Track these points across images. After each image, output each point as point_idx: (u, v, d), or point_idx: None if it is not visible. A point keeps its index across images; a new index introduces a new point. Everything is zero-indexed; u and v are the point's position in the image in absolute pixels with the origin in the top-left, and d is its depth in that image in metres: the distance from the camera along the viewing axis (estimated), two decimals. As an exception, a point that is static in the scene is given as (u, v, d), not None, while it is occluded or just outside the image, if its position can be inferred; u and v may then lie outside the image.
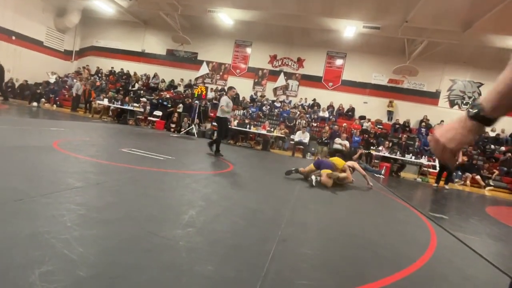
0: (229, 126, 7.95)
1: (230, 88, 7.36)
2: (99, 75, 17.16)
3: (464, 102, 14.49)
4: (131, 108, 11.66)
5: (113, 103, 11.92)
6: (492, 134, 13.55)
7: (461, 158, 11.12)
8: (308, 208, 3.38)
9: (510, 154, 11.99)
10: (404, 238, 2.89)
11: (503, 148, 12.72)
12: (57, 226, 1.75)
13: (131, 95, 14.75)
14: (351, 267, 1.98)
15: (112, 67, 17.43)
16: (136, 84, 16.35)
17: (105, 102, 11.97)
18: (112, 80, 16.78)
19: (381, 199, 4.91)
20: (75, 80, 14.29)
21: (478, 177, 10.83)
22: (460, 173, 10.97)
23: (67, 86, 15.58)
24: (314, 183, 4.74)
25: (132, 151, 5.08)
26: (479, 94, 14.31)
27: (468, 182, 10.81)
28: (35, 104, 12.36)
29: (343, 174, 5.13)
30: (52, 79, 15.48)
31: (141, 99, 13.42)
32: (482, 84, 14.24)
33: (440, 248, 2.64)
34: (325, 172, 4.97)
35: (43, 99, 12.83)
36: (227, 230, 2.19)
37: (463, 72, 14.31)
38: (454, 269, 2.23)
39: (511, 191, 10.70)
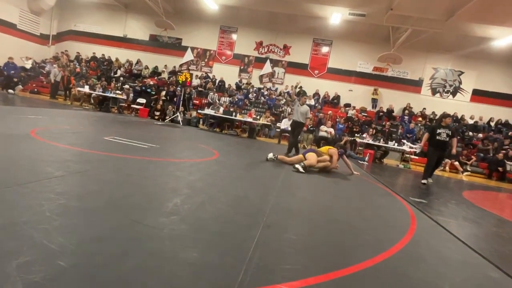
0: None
1: (304, 95, 8.68)
2: (79, 60, 16.49)
3: (445, 90, 14.85)
4: (114, 95, 11.32)
5: (95, 90, 11.53)
6: (470, 122, 14.03)
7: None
8: (292, 194, 3.42)
9: (486, 141, 12.48)
10: (386, 222, 2.98)
11: (480, 135, 13.21)
12: (35, 216, 1.70)
13: (114, 82, 14.31)
14: (333, 251, 2.03)
15: (94, 53, 16.77)
16: (119, 70, 15.86)
17: (86, 89, 11.57)
18: (93, 67, 16.19)
19: (364, 185, 5.03)
20: (54, 66, 13.69)
21: (456, 163, 11.23)
22: (440, 159, 11.33)
23: (44, 72, 14.93)
24: (301, 169, 4.87)
25: (115, 139, 4.97)
26: (460, 82, 14.68)
27: (447, 168, 11.20)
28: (10, 91, 11.80)
29: (327, 157, 5.27)
30: (28, 65, 14.77)
31: (124, 86, 13.04)
32: (462, 73, 14.59)
33: (419, 231, 2.74)
34: (309, 154, 5.15)
35: (19, 86, 12.24)
36: (211, 217, 2.19)
37: (445, 61, 14.61)
38: (431, 250, 2.33)
39: (486, 176, 11.20)
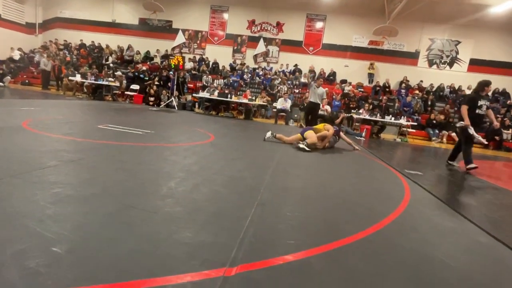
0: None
1: (318, 79, 9.16)
2: (68, 49, 16.13)
3: (442, 61, 14.66)
4: (106, 83, 11.16)
5: (87, 79, 11.35)
6: (468, 92, 13.92)
7: (439, 117, 11.47)
8: (288, 172, 3.44)
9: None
10: (380, 195, 3.02)
11: (478, 105, 13.13)
12: (29, 206, 1.72)
13: (106, 69, 14.07)
14: (326, 225, 2.06)
15: (81, 40, 16.38)
16: (110, 57, 15.56)
17: (78, 78, 11.39)
18: (83, 55, 15.87)
19: (360, 160, 5.06)
20: (44, 55, 13.42)
21: (453, 134, 11.25)
22: (437, 131, 11.37)
23: (34, 63, 14.64)
24: (307, 148, 4.95)
25: (109, 127, 4.94)
26: (457, 52, 14.47)
27: (444, 139, 11.25)
28: (0, 83, 11.62)
29: (324, 133, 5.31)
30: (16, 56, 14.46)
31: (115, 73, 12.83)
32: (459, 42, 14.36)
33: (412, 202, 2.79)
34: (308, 133, 5.23)
35: (8, 77, 12.03)
36: (206, 199, 2.21)
37: (441, 31, 14.33)
38: (423, 220, 2.37)
39: (483, 146, 11.26)
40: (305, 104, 10.99)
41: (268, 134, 5.58)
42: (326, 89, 9.55)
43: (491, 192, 3.82)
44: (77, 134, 4.11)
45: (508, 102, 13.41)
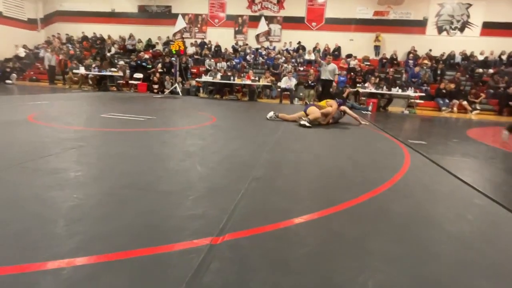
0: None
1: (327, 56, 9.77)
2: (72, 42, 16.19)
3: (453, 27, 14.02)
4: (110, 73, 11.23)
5: (90, 71, 11.45)
6: (480, 58, 13.37)
7: (449, 85, 11.12)
8: (287, 148, 3.46)
9: (497, 76, 11.96)
10: (378, 165, 3.01)
11: (491, 71, 12.65)
12: (30, 190, 1.80)
13: (106, 60, 14.12)
14: (320, 194, 2.09)
15: (83, 32, 16.39)
16: (112, 48, 15.56)
17: (82, 70, 11.49)
18: (86, 47, 15.92)
19: (364, 134, 5.00)
20: (48, 50, 13.53)
21: (465, 102, 10.94)
22: (447, 100, 11.05)
23: (40, 58, 14.81)
24: (308, 124, 4.97)
25: (112, 115, 5.03)
26: (468, 16, 13.79)
27: (455, 108, 10.95)
28: (9, 81, 11.85)
29: (328, 109, 5.26)
30: (21, 53, 14.64)
31: (117, 63, 12.86)
32: (470, 5, 13.65)
33: (411, 170, 2.77)
34: (311, 109, 5.23)
35: (13, 75, 12.23)
36: (201, 176, 2.26)
37: (451, -6, 13.62)
38: (420, 185, 2.37)
39: (497, 113, 10.91)
40: (310, 83, 10.84)
41: (271, 113, 5.58)
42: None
43: (495, 156, 3.75)
44: (80, 123, 4.21)
45: (524, 65, 12.82)
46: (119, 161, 2.53)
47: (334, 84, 9.38)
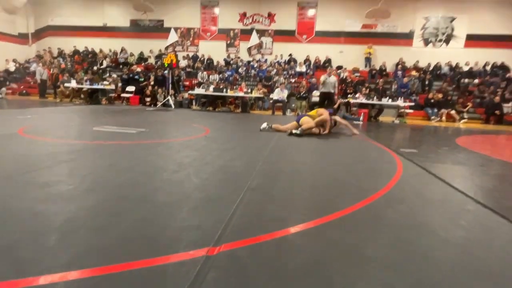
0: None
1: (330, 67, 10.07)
2: (63, 56, 16.16)
3: (438, 39, 14.48)
4: (102, 87, 11.20)
5: (82, 84, 11.40)
6: (466, 68, 13.79)
7: (437, 95, 11.41)
8: (281, 158, 3.47)
9: (483, 86, 12.32)
10: (371, 173, 3.04)
11: (476, 81, 13.04)
12: (21, 204, 1.76)
13: (100, 73, 14.11)
14: (315, 203, 2.10)
15: (74, 46, 16.40)
16: (104, 61, 15.58)
17: (73, 84, 11.43)
18: (77, 60, 15.90)
19: (356, 143, 5.07)
20: (39, 65, 13.46)
21: (453, 112, 11.20)
22: (436, 110, 11.30)
23: (30, 72, 14.71)
24: (296, 132, 5.05)
25: (104, 128, 4.99)
26: (452, 29, 14.28)
27: (443, 118, 11.19)
28: (-1, 95, 11.72)
29: (322, 117, 5.32)
30: (11, 67, 14.53)
31: (107, 77, 12.87)
32: (454, 18, 14.16)
33: (403, 178, 2.80)
34: (304, 119, 5.31)
35: (3, 89, 12.10)
36: (195, 187, 2.25)
37: (435, 8, 14.14)
38: (413, 193, 2.40)
39: (484, 121, 11.19)
40: (301, 94, 10.98)
41: (264, 125, 5.61)
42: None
43: (485, 163, 3.83)
44: (71, 137, 4.17)
45: (507, 75, 13.25)
46: (112, 174, 2.50)
47: (335, 96, 9.49)
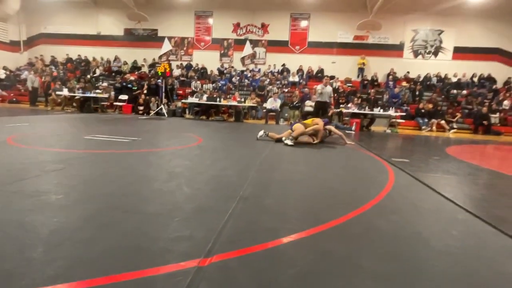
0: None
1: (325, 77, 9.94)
2: (55, 64, 16.05)
3: (427, 51, 14.84)
4: (94, 95, 11.12)
5: (74, 92, 11.31)
6: (454, 80, 14.12)
7: (427, 106, 11.63)
8: (274, 168, 3.47)
9: (470, 97, 12.61)
10: (363, 183, 3.06)
11: (464, 92, 13.35)
12: (7, 214, 1.72)
13: (94, 81, 14.03)
14: (308, 213, 2.09)
15: (67, 54, 16.31)
16: (97, 69, 15.51)
17: (65, 92, 11.33)
18: (70, 68, 15.80)
19: (348, 152, 5.10)
20: (31, 72, 13.32)
21: (442, 122, 11.40)
22: (426, 120, 11.49)
23: (21, 80, 14.55)
24: (290, 142, 5.07)
25: (96, 137, 4.93)
26: (440, 41, 14.67)
27: (434, 127, 11.38)
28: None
29: (315, 126, 5.37)
30: (1, 74, 14.36)
31: (99, 85, 12.82)
32: (442, 31, 14.56)
33: (395, 187, 2.82)
34: (296, 126, 5.41)
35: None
36: (187, 197, 2.23)
37: (424, 21, 14.52)
38: (405, 203, 2.41)
39: (472, 131, 11.41)
40: (294, 103, 11.08)
41: (261, 133, 5.66)
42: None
43: (474, 173, 3.89)
44: (62, 145, 4.10)
45: (494, 86, 13.61)
46: (103, 183, 2.47)
47: (332, 106, 9.55)
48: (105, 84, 12.87)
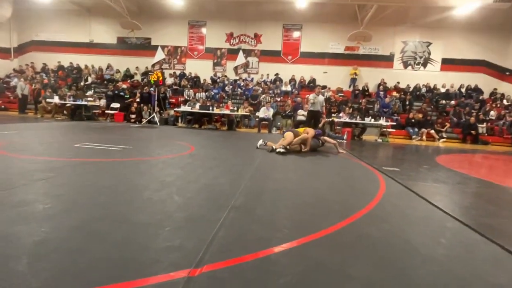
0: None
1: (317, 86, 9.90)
2: (46, 71, 15.89)
3: (416, 62, 15.19)
4: (85, 103, 11.02)
5: (65, 100, 11.19)
6: (442, 90, 14.45)
7: (417, 115, 11.84)
8: (266, 176, 3.47)
9: (458, 107, 12.91)
10: (354, 191, 3.08)
11: (453, 102, 13.65)
12: (-10, 225, 1.67)
13: (85, 89, 13.93)
14: (299, 222, 2.09)
15: (59, 62, 16.19)
16: (89, 77, 15.41)
17: (56, 99, 11.21)
18: (61, 76, 15.66)
19: (340, 161, 5.14)
20: (22, 80, 13.15)
21: (432, 131, 11.61)
22: (416, 129, 11.68)
23: (10, 87, 14.34)
24: (282, 150, 5.15)
25: (86, 145, 4.87)
26: (429, 53, 15.04)
27: (424, 137, 11.56)
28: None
29: (303, 136, 5.43)
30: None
31: (89, 92, 12.74)
32: (430, 43, 14.95)
33: (386, 196, 2.85)
34: (286, 134, 5.55)
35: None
36: (178, 206, 2.20)
37: (413, 33, 14.90)
38: (395, 211, 2.43)
39: (461, 141, 11.63)
40: (287, 112, 11.16)
41: (260, 141, 5.71)
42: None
43: (463, 181, 3.95)
44: (51, 154, 4.04)
45: (481, 97, 13.97)
46: (92, 192, 2.43)
47: (323, 115, 9.65)
48: (90, 92, 12.78)
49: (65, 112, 11.56)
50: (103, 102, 12.32)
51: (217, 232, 1.76)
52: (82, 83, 14.72)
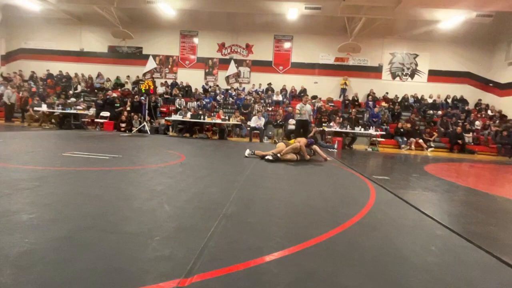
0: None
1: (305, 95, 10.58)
2: (34, 79, 15.66)
3: (404, 73, 15.58)
4: (74, 111, 10.87)
5: (54, 108, 11.02)
6: (430, 101, 14.81)
7: (406, 125, 12.06)
8: (257, 185, 3.46)
9: (445, 117, 13.22)
10: (345, 200, 3.09)
11: (440, 112, 13.99)
12: (-29, 236, 1.61)
13: (74, 97, 13.76)
14: (292, 230, 2.08)
15: (48, 70, 16.00)
16: (79, 86, 15.26)
17: (44, 108, 11.02)
18: (50, 84, 15.45)
19: (330, 170, 5.17)
20: (9, 87, 12.91)
21: (420, 140, 11.83)
22: (405, 139, 11.88)
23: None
24: (271, 158, 5.26)
25: (75, 154, 4.78)
26: (416, 64, 15.46)
27: (413, 146, 11.77)
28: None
29: (293, 145, 5.47)
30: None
31: (79, 100, 12.61)
32: (417, 55, 15.38)
33: (376, 204, 2.87)
34: (278, 144, 5.66)
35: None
36: (169, 216, 2.17)
37: (400, 46, 15.33)
38: (386, 219, 2.44)
39: (449, 150, 11.88)
40: (278, 122, 11.23)
41: (248, 151, 5.73)
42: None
43: (451, 190, 4.02)
44: (37, 163, 3.94)
45: (467, 107, 14.36)
46: (80, 202, 2.37)
47: (312, 124, 9.76)
48: (73, 99, 12.66)
49: (53, 120, 11.37)
50: (92, 110, 12.17)
51: (208, 242, 1.74)
52: (71, 92, 14.55)
